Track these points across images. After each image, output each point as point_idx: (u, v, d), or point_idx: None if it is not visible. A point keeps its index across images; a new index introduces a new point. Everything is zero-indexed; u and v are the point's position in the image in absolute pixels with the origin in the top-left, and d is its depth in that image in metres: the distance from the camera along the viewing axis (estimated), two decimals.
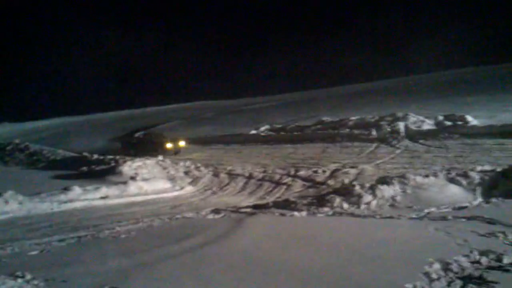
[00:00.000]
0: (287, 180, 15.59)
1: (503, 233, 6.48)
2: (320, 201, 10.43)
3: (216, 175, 17.80)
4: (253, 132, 30.28)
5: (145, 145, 25.50)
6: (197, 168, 18.87)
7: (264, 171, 17.54)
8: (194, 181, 17.10)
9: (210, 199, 13.75)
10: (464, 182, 11.20)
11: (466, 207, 9.03)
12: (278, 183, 15.30)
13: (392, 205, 9.60)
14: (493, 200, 9.44)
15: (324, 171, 16.26)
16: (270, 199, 12.92)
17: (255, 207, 10.99)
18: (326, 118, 29.44)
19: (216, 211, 10.62)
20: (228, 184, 16.14)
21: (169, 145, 24.45)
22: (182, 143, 25.31)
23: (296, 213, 9.41)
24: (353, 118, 27.28)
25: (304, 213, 9.45)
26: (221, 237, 7.33)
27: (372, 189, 10.35)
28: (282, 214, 9.41)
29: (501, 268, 5.11)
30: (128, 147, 26.38)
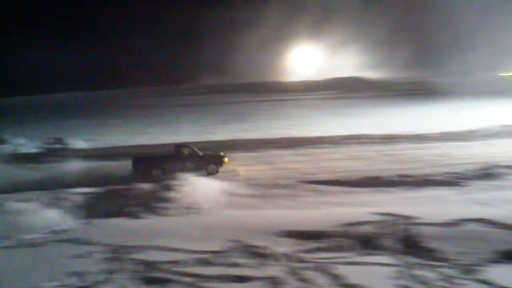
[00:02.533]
0: None
1: (98, 252, 6.91)
2: None
3: None
4: None
5: (179, 161, 17.31)
6: None
7: None
8: None
9: None
10: (64, 204, 11.36)
11: (65, 229, 9.21)
12: None
13: None
14: (94, 220, 9.94)
15: None
16: None
17: None
18: None
19: None
20: None
21: (226, 159, 17.64)
22: (226, 158, 18.07)
23: None
24: None
25: None
26: None
27: None
28: None
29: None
30: (148, 167, 17.27)
